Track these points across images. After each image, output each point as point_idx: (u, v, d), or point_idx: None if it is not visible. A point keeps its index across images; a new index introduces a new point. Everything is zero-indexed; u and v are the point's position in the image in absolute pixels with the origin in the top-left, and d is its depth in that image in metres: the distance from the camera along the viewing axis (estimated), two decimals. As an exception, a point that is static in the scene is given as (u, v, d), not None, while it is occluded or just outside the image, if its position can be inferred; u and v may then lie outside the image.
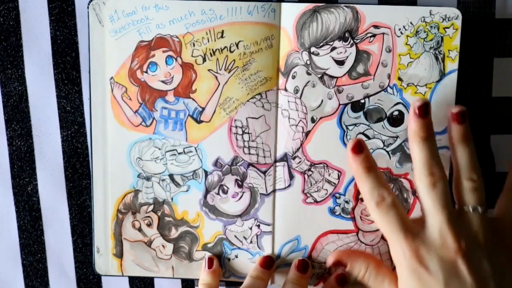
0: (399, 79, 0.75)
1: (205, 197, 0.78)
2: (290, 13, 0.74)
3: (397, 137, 0.76)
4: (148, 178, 0.78)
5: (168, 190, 0.78)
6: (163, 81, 0.76)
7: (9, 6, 0.77)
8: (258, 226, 0.78)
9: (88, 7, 0.74)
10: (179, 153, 0.77)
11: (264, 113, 0.76)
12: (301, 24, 0.74)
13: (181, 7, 0.74)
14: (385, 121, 0.76)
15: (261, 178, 0.77)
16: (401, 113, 0.76)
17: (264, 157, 0.77)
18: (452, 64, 0.74)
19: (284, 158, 0.77)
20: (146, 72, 0.76)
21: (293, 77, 0.75)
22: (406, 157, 0.76)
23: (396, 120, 0.76)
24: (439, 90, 0.75)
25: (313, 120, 0.76)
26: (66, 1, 0.77)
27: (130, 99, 0.76)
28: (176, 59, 0.75)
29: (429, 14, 0.73)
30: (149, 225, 0.79)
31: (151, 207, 0.78)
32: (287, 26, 0.75)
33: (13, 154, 0.79)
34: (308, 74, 0.75)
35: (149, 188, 0.78)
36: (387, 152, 0.76)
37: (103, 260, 0.78)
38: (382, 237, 0.77)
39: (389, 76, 0.75)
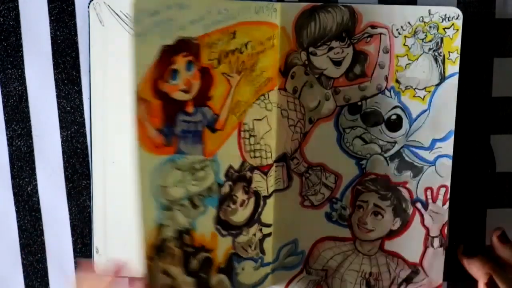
0: (397, 81, 0.74)
1: (218, 213, 0.73)
2: (289, 13, 0.74)
3: (395, 142, 0.75)
4: (169, 208, 0.69)
5: (188, 216, 0.71)
6: (183, 90, 0.69)
7: (9, 6, 0.77)
8: (261, 230, 0.77)
9: (88, 7, 0.74)
10: (197, 170, 0.71)
11: (267, 113, 0.75)
12: (299, 24, 0.73)
13: (201, 6, 0.69)
14: (383, 125, 0.75)
15: (264, 180, 0.76)
16: (399, 118, 0.75)
17: (266, 158, 0.76)
18: (453, 67, 0.73)
19: (283, 158, 0.76)
20: (167, 81, 0.67)
21: (292, 77, 0.75)
22: (404, 165, 0.75)
23: (394, 124, 0.75)
24: (439, 94, 0.74)
25: (310, 121, 0.75)
26: (66, 1, 0.77)
27: (153, 116, 0.67)
28: (195, 64, 0.69)
29: (428, 14, 0.72)
30: (175, 264, 0.71)
31: (174, 241, 0.70)
32: (286, 26, 0.74)
33: (13, 154, 0.79)
34: (306, 74, 0.74)
35: (172, 220, 0.70)
36: (385, 158, 0.75)
37: (102, 260, 0.78)
38: (380, 248, 0.77)
39: (386, 78, 0.74)
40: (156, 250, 0.69)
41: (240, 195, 0.75)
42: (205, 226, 0.73)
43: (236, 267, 0.76)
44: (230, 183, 0.74)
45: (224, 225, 0.74)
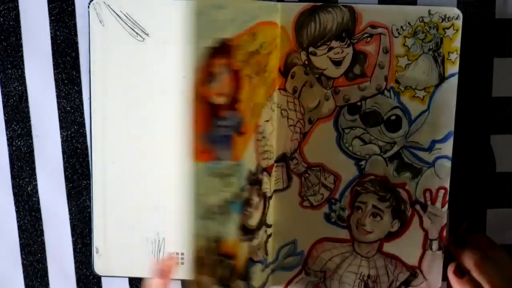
0: (397, 81, 0.73)
1: (240, 219, 0.71)
2: (289, 13, 0.74)
3: (394, 143, 0.75)
4: (205, 217, 0.66)
5: (221, 224, 0.68)
6: (220, 94, 0.66)
7: (9, 6, 0.77)
8: (266, 231, 0.77)
9: (88, 7, 0.74)
10: (226, 176, 0.68)
11: (272, 114, 0.75)
12: (299, 24, 0.73)
13: (235, 5, 0.67)
14: (382, 125, 0.74)
15: (269, 181, 0.76)
16: (398, 118, 0.74)
17: (270, 158, 0.76)
18: (453, 67, 0.73)
19: (283, 158, 0.76)
20: (206, 85, 0.65)
21: (292, 76, 0.74)
22: (404, 166, 0.75)
23: (393, 125, 0.74)
24: (438, 94, 0.73)
25: (310, 121, 0.75)
26: (66, 1, 0.77)
27: (196, 121, 0.64)
28: (229, 66, 0.68)
29: (428, 14, 0.72)
30: (207, 274, 0.67)
31: (207, 251, 0.67)
32: (286, 25, 0.74)
33: (13, 154, 0.80)
34: (306, 74, 0.74)
35: (206, 229, 0.66)
36: (384, 158, 0.75)
37: (102, 260, 0.78)
38: (378, 250, 0.77)
39: (386, 78, 0.73)
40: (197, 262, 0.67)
41: (255, 198, 0.74)
42: (231, 233, 0.70)
43: (249, 271, 0.74)
44: (248, 186, 0.72)
45: (243, 230, 0.72)
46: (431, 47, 0.73)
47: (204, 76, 0.64)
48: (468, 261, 0.73)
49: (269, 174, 0.76)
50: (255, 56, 0.70)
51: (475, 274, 0.73)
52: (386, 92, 0.74)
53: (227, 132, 0.67)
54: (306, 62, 0.74)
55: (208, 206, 0.66)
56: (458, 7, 0.73)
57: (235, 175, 0.69)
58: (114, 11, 0.74)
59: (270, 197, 0.76)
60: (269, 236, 0.77)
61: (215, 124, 0.66)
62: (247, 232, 0.72)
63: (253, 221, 0.74)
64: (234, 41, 0.67)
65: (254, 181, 0.73)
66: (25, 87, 0.78)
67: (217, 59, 0.65)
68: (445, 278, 0.77)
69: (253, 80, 0.70)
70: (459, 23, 0.72)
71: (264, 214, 0.76)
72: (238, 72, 0.68)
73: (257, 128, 0.72)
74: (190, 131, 0.63)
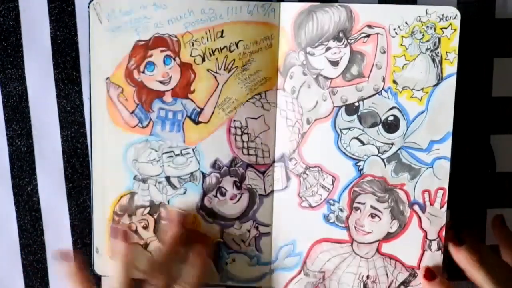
0: (394, 82, 0.73)
1: (202, 200, 0.77)
2: (288, 13, 0.73)
3: (392, 144, 0.74)
4: (144, 180, 0.77)
5: (164, 193, 0.77)
6: (160, 82, 0.75)
7: (9, 6, 0.77)
8: (257, 228, 0.77)
9: (88, 7, 0.74)
10: (176, 155, 0.76)
11: (264, 113, 0.76)
12: (298, 24, 0.73)
13: (181, 6, 0.73)
14: (380, 126, 0.74)
15: (260, 179, 0.77)
16: (396, 119, 0.74)
17: (263, 157, 0.76)
18: (451, 67, 0.72)
19: (282, 159, 0.76)
20: (143, 72, 0.75)
21: (291, 77, 0.74)
22: (402, 166, 0.75)
23: (391, 125, 0.74)
24: (436, 95, 0.73)
25: (308, 122, 0.75)
26: (66, 1, 0.77)
27: (126, 99, 0.75)
28: (174, 59, 0.75)
29: (425, 14, 0.71)
30: (145, 227, 0.78)
31: (147, 209, 0.77)
32: (285, 26, 0.74)
33: (13, 154, 0.80)
34: (304, 74, 0.74)
35: (145, 191, 0.77)
36: (382, 159, 0.75)
37: (102, 260, 0.78)
38: (377, 251, 0.77)
39: (383, 79, 0.73)
40: (125, 211, 0.78)
41: (230, 189, 0.77)
42: (185, 207, 0.78)
43: (225, 256, 0.78)
44: (217, 175, 0.77)
45: (209, 213, 0.78)
46: (429, 47, 0.72)
47: (140, 64, 0.75)
48: (465, 262, 0.72)
49: (261, 173, 0.77)
50: (222, 53, 0.75)
51: (472, 275, 0.72)
52: (383, 93, 0.73)
53: (174, 117, 0.76)
54: (304, 62, 0.74)
55: (147, 174, 0.77)
56: (458, 7, 0.72)
57: (185, 156, 0.77)
58: (113, 11, 0.76)
59: (265, 196, 0.77)
60: (265, 234, 0.78)
61: (155, 106, 0.76)
62: (215, 217, 0.78)
63: (228, 210, 0.78)
64: (180, 37, 0.75)
65: (228, 172, 0.77)
66: (25, 87, 0.79)
67: (154, 51, 0.75)
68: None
69: (221, 76, 0.75)
70: (457, 22, 0.71)
71: (250, 209, 0.77)
72: (189, 66, 0.75)
73: (231, 123, 0.76)
74: (119, 107, 0.76)
